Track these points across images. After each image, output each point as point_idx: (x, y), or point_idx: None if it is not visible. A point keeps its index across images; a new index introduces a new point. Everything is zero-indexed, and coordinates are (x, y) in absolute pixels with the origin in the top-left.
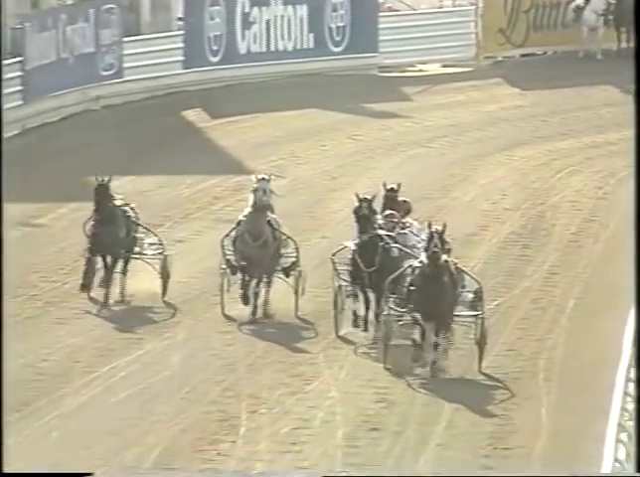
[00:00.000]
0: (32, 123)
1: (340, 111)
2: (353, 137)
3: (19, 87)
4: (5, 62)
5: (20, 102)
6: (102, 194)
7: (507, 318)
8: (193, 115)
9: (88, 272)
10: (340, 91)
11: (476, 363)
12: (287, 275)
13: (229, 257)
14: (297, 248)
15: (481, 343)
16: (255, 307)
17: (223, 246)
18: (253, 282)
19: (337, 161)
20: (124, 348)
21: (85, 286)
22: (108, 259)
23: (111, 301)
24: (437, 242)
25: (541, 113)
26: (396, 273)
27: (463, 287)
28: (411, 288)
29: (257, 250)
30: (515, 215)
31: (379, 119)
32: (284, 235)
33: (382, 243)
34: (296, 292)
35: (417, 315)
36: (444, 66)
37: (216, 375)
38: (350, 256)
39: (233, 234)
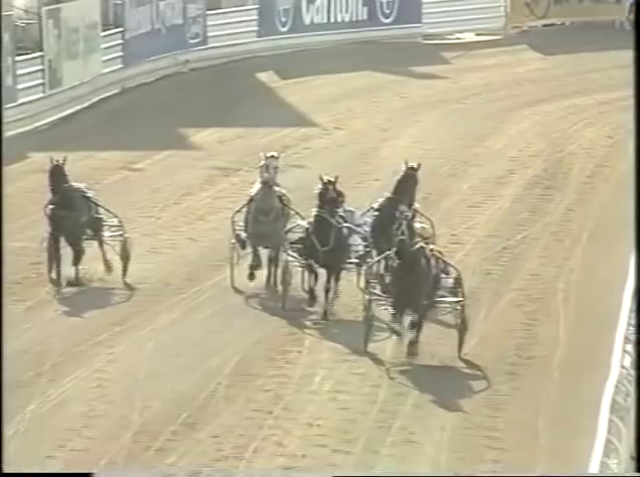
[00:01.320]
0: (130, 84)
1: (389, 73)
2: (400, 95)
3: (120, 53)
4: (108, 32)
5: (121, 66)
6: (58, 176)
7: (531, 248)
8: (265, 77)
9: (52, 257)
10: (389, 57)
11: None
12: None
13: (238, 233)
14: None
15: (461, 329)
16: (268, 277)
17: (233, 223)
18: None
19: (387, 115)
20: (209, 273)
21: (51, 271)
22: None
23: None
24: (405, 230)
25: (560, 74)
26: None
27: (446, 273)
28: (387, 276)
29: (268, 226)
30: (538, 160)
31: (422, 80)
32: (294, 210)
33: (336, 224)
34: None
35: (392, 304)
36: (478, 34)
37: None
38: (303, 235)
39: (244, 210)
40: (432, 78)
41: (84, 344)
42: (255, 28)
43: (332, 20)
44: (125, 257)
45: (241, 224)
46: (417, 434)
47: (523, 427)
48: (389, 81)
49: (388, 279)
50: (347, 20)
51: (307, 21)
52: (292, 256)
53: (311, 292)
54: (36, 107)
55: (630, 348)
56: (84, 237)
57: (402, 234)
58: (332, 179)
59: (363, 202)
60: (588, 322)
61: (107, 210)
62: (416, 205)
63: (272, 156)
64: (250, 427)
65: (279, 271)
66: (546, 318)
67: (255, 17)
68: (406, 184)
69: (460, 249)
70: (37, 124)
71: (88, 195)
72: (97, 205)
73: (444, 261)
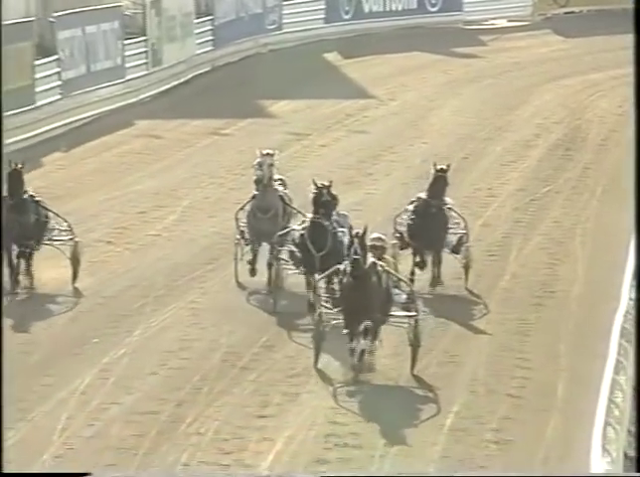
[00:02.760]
0: (219, 63)
1: (435, 54)
2: (444, 72)
3: (210, 37)
4: (200, 19)
5: (211, 48)
6: (15, 180)
7: (554, 200)
8: (330, 57)
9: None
10: (434, 40)
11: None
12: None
13: (242, 229)
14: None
15: (415, 345)
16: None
17: (237, 219)
18: (268, 253)
19: (433, 89)
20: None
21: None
22: (17, 248)
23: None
24: (357, 248)
25: (578, 54)
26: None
27: (399, 289)
28: (339, 292)
29: (266, 223)
30: (559, 127)
31: (462, 59)
32: (295, 209)
33: (331, 228)
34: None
35: (345, 321)
36: (509, 21)
37: None
38: (298, 240)
39: (247, 207)
40: (471, 57)
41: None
42: (323, 16)
43: (387, 9)
44: (76, 262)
45: (245, 220)
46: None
47: (547, 349)
48: (434, 61)
49: (338, 295)
50: (400, 9)
51: (366, 10)
52: (285, 262)
53: (309, 302)
54: (140, 83)
55: (635, 283)
56: (32, 241)
57: (356, 252)
58: (326, 183)
59: (413, 161)
60: (602, 262)
61: (57, 214)
62: (449, 201)
63: (267, 154)
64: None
65: (273, 273)
66: (566, 258)
67: (323, 6)
68: (438, 185)
69: (495, 201)
70: (141, 97)
71: (38, 200)
72: (48, 210)
73: (397, 277)
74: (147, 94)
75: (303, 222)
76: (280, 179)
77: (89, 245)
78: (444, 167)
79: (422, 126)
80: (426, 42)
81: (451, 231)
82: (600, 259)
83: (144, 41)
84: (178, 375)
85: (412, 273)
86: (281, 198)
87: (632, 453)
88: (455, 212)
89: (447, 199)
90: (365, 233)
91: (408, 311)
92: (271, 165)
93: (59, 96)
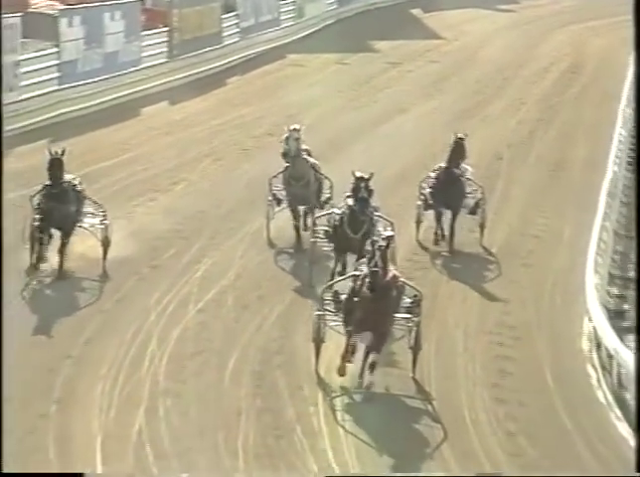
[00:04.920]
0: (340, 17)
1: (484, 9)
2: (491, 22)
3: None
4: None
5: (335, 7)
6: (56, 167)
7: (565, 105)
8: (415, 12)
9: (37, 247)
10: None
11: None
12: (322, 207)
13: (275, 192)
14: (332, 186)
15: (415, 349)
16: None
17: (270, 184)
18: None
19: (483, 33)
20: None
21: (40, 259)
22: (58, 233)
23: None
24: (378, 260)
25: (582, 7)
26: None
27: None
28: (353, 300)
29: (300, 189)
30: (567, 57)
31: (502, 13)
32: (325, 176)
33: (368, 214)
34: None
35: (352, 329)
36: None
37: None
38: (337, 222)
39: (280, 176)
40: (508, 12)
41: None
42: None
43: None
44: (106, 243)
45: (279, 185)
46: None
47: (558, 207)
48: (483, 15)
49: (353, 303)
50: None
51: None
52: (322, 240)
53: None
54: (290, 30)
55: (618, 161)
56: (73, 226)
57: (376, 265)
58: (366, 176)
59: (469, 81)
60: (595, 143)
61: (94, 201)
62: (470, 169)
63: (295, 129)
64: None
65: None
66: (570, 139)
67: None
68: (457, 152)
69: (524, 106)
70: (291, 39)
71: (79, 188)
72: (85, 197)
73: (409, 285)
74: (294, 38)
75: (342, 206)
76: (306, 149)
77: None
78: (462, 136)
79: (476, 58)
80: (478, 1)
81: (470, 195)
82: (594, 142)
83: (293, 1)
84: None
85: (436, 242)
86: (312, 166)
87: (616, 272)
88: (472, 180)
89: (467, 168)
90: (388, 245)
91: (411, 314)
92: (297, 139)
93: (237, 39)
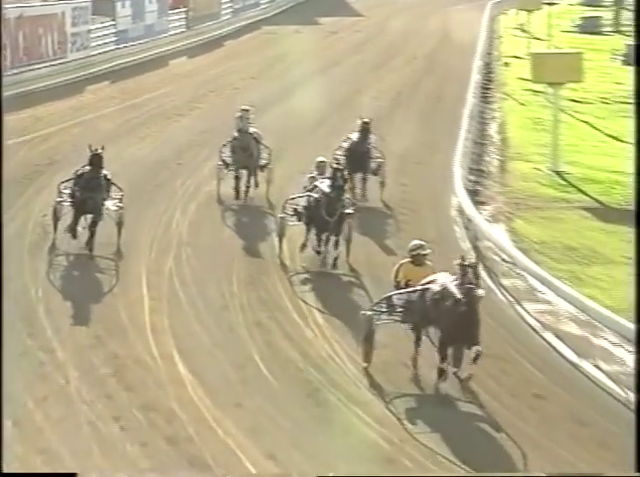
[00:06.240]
0: (299, 1)
1: None
2: (395, 5)
3: None
4: None
5: None
6: (97, 162)
7: (438, 62)
8: None
9: (73, 226)
10: None
11: None
12: (262, 170)
13: (224, 158)
14: (270, 153)
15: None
16: (243, 192)
17: (220, 151)
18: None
19: (389, 14)
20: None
21: (74, 235)
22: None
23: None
24: (472, 279)
25: None
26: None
27: None
28: (439, 315)
29: (245, 157)
30: (444, 28)
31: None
32: (263, 145)
33: (343, 199)
34: (268, 181)
35: (446, 340)
36: None
37: None
38: (312, 205)
39: (228, 145)
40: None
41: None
42: None
43: None
44: (120, 225)
45: (227, 153)
46: None
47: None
48: (390, 1)
49: (443, 318)
50: None
51: None
52: (290, 217)
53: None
54: (264, 11)
55: (475, 90)
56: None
57: (470, 283)
58: (341, 166)
59: (382, 44)
60: (460, 84)
61: (118, 187)
62: (373, 140)
63: (245, 110)
64: None
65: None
66: (445, 81)
67: None
68: (364, 131)
69: (416, 61)
70: (264, 17)
71: (109, 178)
72: (112, 184)
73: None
74: (267, 15)
75: (319, 191)
76: (255, 129)
77: None
78: (367, 120)
79: (385, 29)
80: None
81: (373, 160)
82: (461, 83)
83: None
84: None
85: (352, 191)
86: (255, 138)
87: (473, 166)
88: (376, 149)
89: (372, 138)
90: (478, 264)
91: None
92: (247, 118)
93: (230, 16)
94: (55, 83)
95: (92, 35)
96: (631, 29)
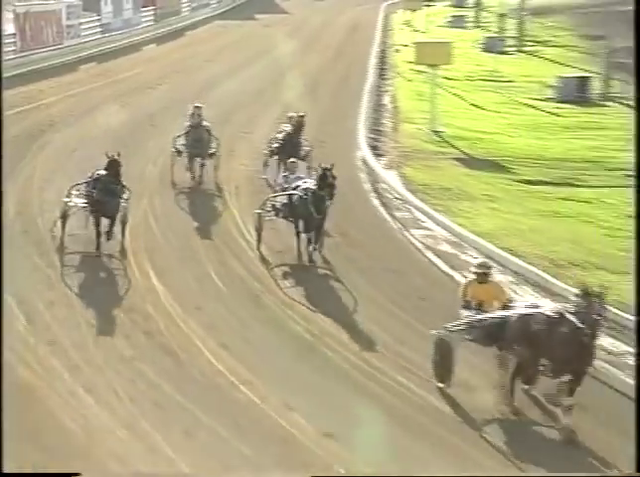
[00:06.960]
0: (241, 2)
1: None
2: (312, 5)
3: None
4: None
5: None
6: (115, 167)
7: (347, 47)
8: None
9: (100, 229)
10: None
11: None
12: (211, 157)
13: (177, 147)
14: (219, 144)
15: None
16: (199, 176)
17: (174, 140)
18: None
19: (310, 12)
20: None
21: (108, 237)
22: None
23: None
24: (598, 309)
25: None
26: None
27: None
28: (558, 348)
29: (199, 146)
30: (350, 22)
31: (320, 2)
32: (213, 136)
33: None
34: (215, 168)
35: (557, 369)
36: None
37: None
38: (297, 203)
39: (182, 136)
40: (322, 0)
41: None
42: None
43: None
44: (124, 222)
45: (182, 142)
46: None
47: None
48: (305, 3)
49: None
50: None
51: None
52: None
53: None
54: (214, 9)
55: (374, 70)
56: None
57: (599, 313)
58: (329, 166)
59: (309, 34)
60: (363, 64)
61: (128, 189)
62: (306, 142)
63: (197, 106)
64: None
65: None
66: (352, 62)
67: None
68: (298, 125)
69: (330, 47)
70: (214, 14)
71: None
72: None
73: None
74: (216, 13)
75: (304, 189)
76: (206, 123)
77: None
78: (302, 114)
79: (307, 23)
80: None
81: (303, 148)
82: (363, 64)
83: None
84: None
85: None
86: (207, 130)
87: (373, 126)
88: (306, 141)
89: (304, 141)
90: (604, 294)
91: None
92: (199, 114)
93: (187, 13)
94: (54, 64)
95: (83, 27)
96: (488, 25)
